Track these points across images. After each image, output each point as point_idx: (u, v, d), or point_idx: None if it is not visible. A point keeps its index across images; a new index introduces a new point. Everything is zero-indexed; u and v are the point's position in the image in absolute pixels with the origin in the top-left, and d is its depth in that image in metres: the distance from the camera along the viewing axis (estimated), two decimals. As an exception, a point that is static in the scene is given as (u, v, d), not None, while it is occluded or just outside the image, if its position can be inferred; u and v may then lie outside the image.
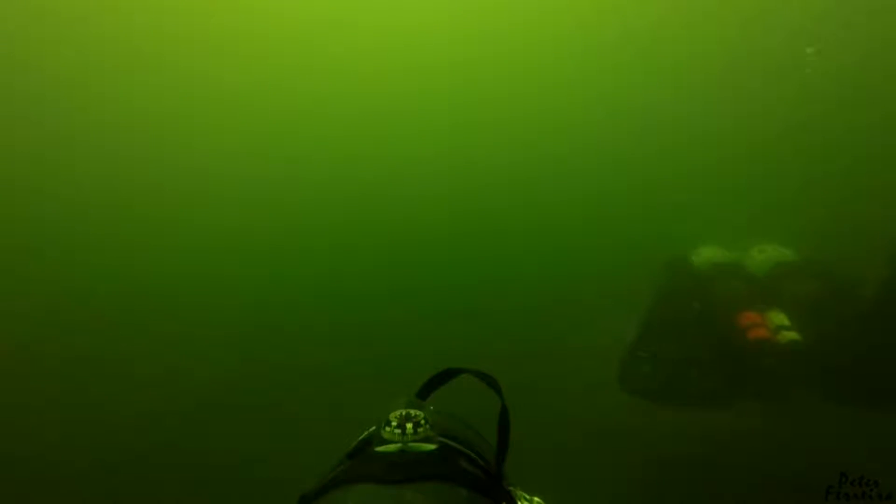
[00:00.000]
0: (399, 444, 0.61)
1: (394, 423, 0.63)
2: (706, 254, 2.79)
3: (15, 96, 5.30)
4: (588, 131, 5.55)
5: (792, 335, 2.32)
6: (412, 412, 0.64)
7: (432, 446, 0.62)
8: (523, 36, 5.88)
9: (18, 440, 3.79)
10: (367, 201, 5.59)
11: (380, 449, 0.61)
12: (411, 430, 0.62)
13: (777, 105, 4.89)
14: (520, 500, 0.65)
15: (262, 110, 5.90)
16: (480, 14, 5.77)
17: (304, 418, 3.94)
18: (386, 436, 0.62)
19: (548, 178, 5.50)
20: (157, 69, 5.63)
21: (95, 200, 5.34)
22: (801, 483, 2.38)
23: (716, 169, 4.86)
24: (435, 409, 0.68)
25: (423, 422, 0.63)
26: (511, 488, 0.65)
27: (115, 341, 4.56)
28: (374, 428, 0.66)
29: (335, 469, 0.63)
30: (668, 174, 5.00)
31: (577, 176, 5.36)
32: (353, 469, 0.60)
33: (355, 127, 5.82)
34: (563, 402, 3.44)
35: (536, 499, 0.67)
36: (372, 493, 0.55)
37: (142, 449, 3.84)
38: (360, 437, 0.68)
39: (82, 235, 5.18)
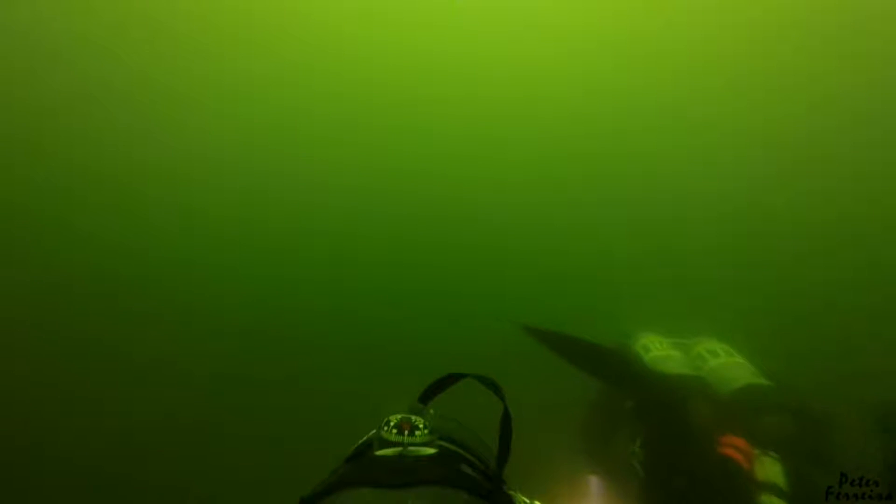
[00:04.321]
0: (399, 448, 0.61)
1: (393, 426, 0.62)
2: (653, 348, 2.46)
3: (15, 85, 5.27)
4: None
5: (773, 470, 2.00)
6: (412, 416, 0.64)
7: (432, 450, 0.61)
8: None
9: (19, 430, 3.79)
10: (369, 198, 5.57)
11: (379, 453, 0.61)
12: (412, 434, 0.61)
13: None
14: None
15: (271, 103, 5.88)
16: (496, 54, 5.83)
17: (303, 420, 3.93)
18: (386, 437, 0.62)
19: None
20: (170, 53, 5.59)
21: (94, 189, 5.31)
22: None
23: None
24: (436, 412, 0.68)
25: (422, 425, 0.63)
26: (512, 493, 0.64)
27: (113, 332, 4.55)
28: (373, 431, 0.65)
29: (334, 473, 0.62)
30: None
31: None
32: (353, 473, 0.59)
33: (360, 125, 5.82)
34: (564, 407, 3.42)
35: (537, 503, 0.66)
36: (371, 498, 0.54)
37: (138, 443, 3.84)
38: (360, 441, 0.68)
39: (82, 224, 5.15)
